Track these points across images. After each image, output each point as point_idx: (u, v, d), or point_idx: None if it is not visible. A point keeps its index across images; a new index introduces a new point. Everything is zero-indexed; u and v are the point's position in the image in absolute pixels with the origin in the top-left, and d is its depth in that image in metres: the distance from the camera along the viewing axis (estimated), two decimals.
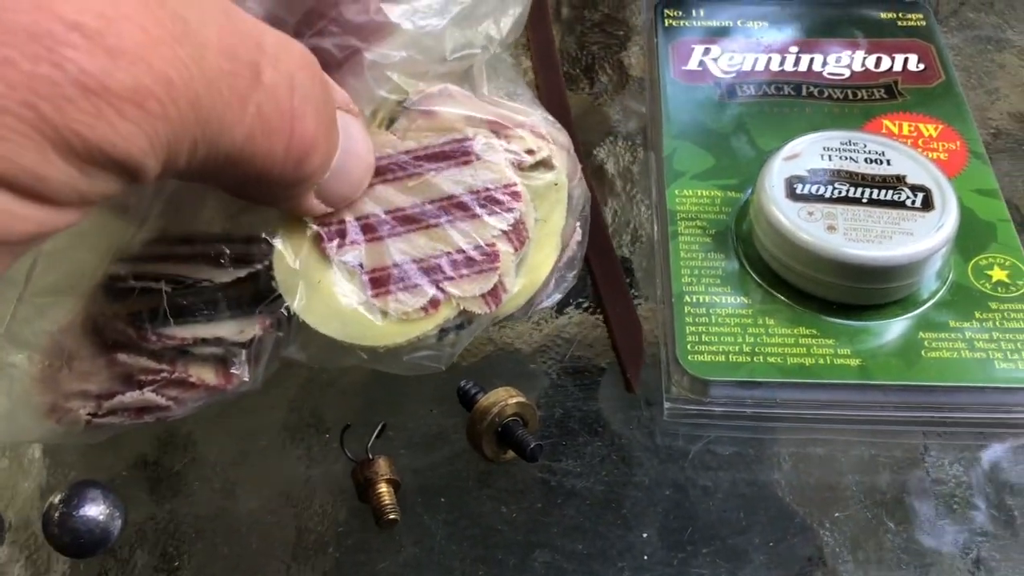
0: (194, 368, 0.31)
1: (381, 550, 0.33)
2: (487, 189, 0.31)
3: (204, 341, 0.30)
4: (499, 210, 0.31)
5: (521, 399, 0.34)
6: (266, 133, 0.24)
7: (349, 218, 0.31)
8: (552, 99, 0.48)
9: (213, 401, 0.32)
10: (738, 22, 0.50)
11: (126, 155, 0.21)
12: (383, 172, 0.31)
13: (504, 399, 0.34)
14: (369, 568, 0.33)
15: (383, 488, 0.33)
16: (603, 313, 0.40)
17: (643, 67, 0.51)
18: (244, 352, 0.31)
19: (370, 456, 0.33)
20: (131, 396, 0.31)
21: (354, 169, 0.29)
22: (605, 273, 0.41)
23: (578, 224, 0.35)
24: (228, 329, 0.31)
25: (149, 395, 0.31)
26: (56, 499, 0.32)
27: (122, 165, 0.21)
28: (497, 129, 0.32)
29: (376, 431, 0.35)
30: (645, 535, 0.33)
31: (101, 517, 0.32)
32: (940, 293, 0.38)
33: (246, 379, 0.31)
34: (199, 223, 0.31)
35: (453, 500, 0.34)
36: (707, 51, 0.49)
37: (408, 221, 0.31)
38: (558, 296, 0.36)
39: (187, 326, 0.30)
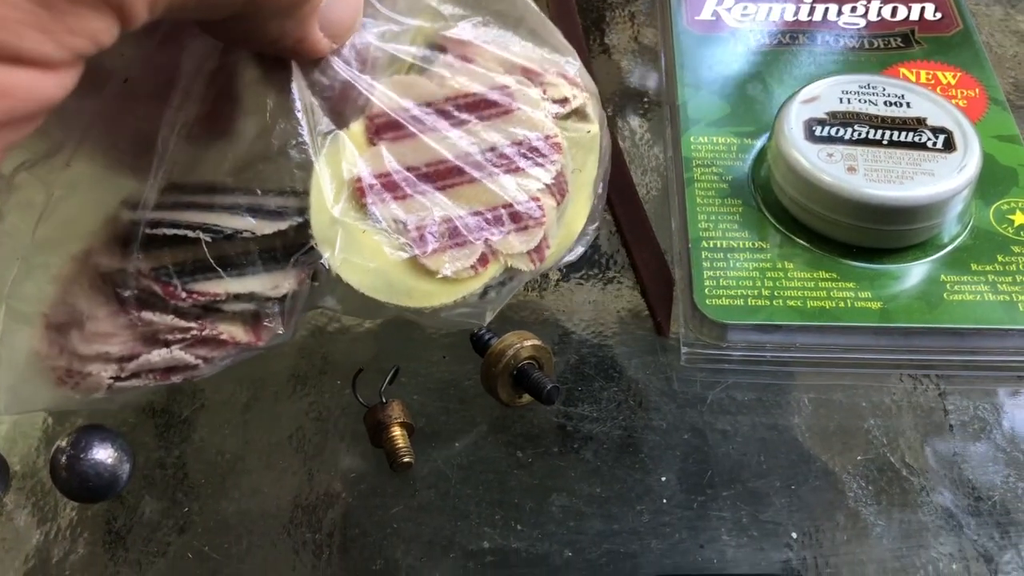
0: (224, 325, 0.29)
1: (395, 494, 0.33)
2: (529, 140, 0.30)
3: (236, 297, 0.28)
4: (542, 162, 0.29)
5: (536, 342, 0.33)
6: None
7: (386, 171, 0.29)
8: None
9: (242, 358, 0.30)
10: None
11: None
12: (421, 121, 0.29)
13: (519, 342, 0.33)
14: (383, 512, 0.32)
15: (397, 431, 0.32)
16: (630, 258, 0.39)
17: (655, 18, 0.51)
18: (277, 306, 0.29)
19: (383, 400, 0.33)
20: (158, 355, 0.28)
21: None
22: (630, 218, 0.40)
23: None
24: (262, 283, 0.28)
25: (178, 353, 0.29)
26: (63, 443, 0.31)
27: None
28: (532, 77, 0.31)
29: (389, 375, 0.34)
30: (664, 479, 0.33)
31: (110, 461, 0.31)
32: (962, 237, 0.37)
33: (279, 333, 0.29)
34: (208, 174, 0.29)
35: (468, 445, 0.34)
36: (720, 1, 0.48)
37: (450, 174, 0.29)
38: (580, 249, 0.34)
39: (218, 281, 0.28)
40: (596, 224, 0.34)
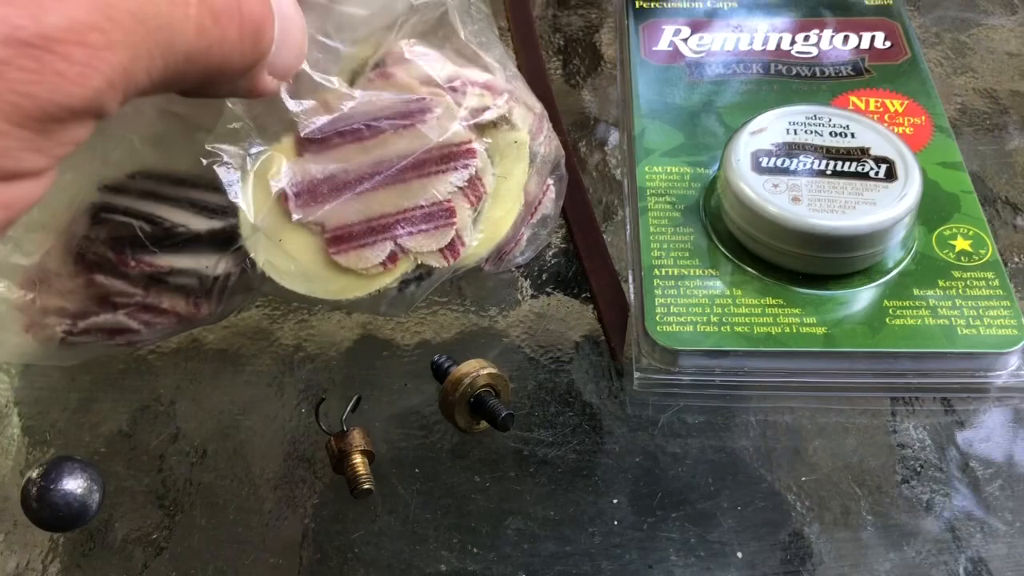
0: (166, 295, 0.33)
1: (356, 520, 0.34)
2: (442, 147, 0.32)
3: (180, 272, 0.32)
4: (455, 167, 0.32)
5: (493, 370, 0.34)
6: (216, 20, 0.23)
7: (311, 178, 0.32)
8: (533, 78, 0.49)
9: (181, 330, 0.34)
10: (708, 3, 0.51)
11: (83, 101, 0.20)
12: (344, 133, 0.32)
13: (476, 370, 0.34)
14: (344, 537, 0.33)
15: (358, 459, 0.34)
16: (587, 284, 0.41)
17: (615, 49, 0.52)
18: (215, 284, 0.32)
19: (345, 428, 0.34)
20: (104, 317, 0.32)
21: (294, 33, 0.28)
22: (588, 245, 0.42)
23: (551, 182, 0.36)
24: (203, 262, 0.32)
25: (122, 318, 0.33)
26: (34, 474, 0.32)
27: (82, 112, 0.20)
28: (455, 87, 0.33)
29: (351, 404, 0.35)
30: (615, 501, 0.34)
31: (79, 491, 0.32)
32: (904, 262, 0.38)
33: (215, 310, 0.33)
34: (172, 162, 0.32)
35: (427, 471, 0.35)
36: (677, 32, 0.49)
37: (367, 180, 0.32)
38: (531, 253, 0.37)
39: (165, 255, 0.32)
40: (549, 229, 0.38)
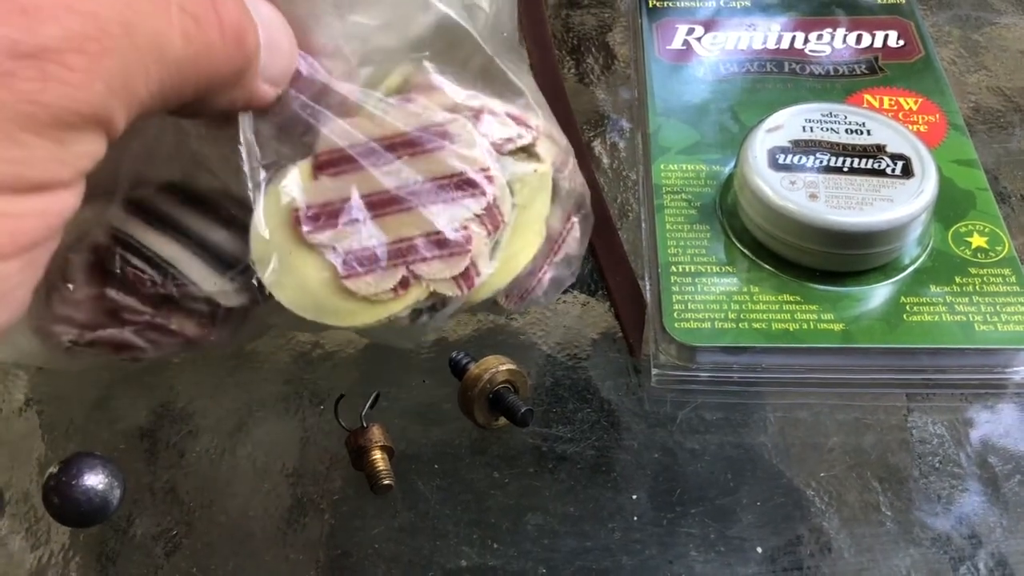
0: (176, 317, 0.32)
1: (376, 516, 0.34)
2: (460, 172, 0.31)
3: (192, 298, 0.31)
4: (472, 193, 0.31)
5: (511, 366, 0.35)
6: (197, 24, 0.23)
7: (325, 201, 0.31)
8: (546, 79, 0.49)
9: (186, 351, 0.33)
10: (721, 1, 0.51)
11: (90, 106, 0.21)
12: (361, 157, 0.31)
13: (495, 366, 0.34)
14: (364, 533, 0.33)
15: (377, 455, 0.34)
16: (604, 282, 0.41)
17: (629, 48, 0.52)
18: (225, 313, 0.32)
19: (364, 424, 0.34)
20: (111, 332, 0.32)
21: (281, 38, 0.28)
22: (605, 243, 0.41)
23: (576, 220, 0.35)
24: (214, 285, 0.31)
25: (128, 335, 0.32)
26: (55, 469, 0.32)
27: (92, 119, 0.21)
28: (477, 115, 0.33)
29: (370, 400, 0.35)
30: (635, 497, 0.34)
31: (100, 486, 0.32)
32: (921, 259, 0.39)
33: (224, 337, 0.33)
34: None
35: (447, 467, 0.35)
36: (691, 31, 0.49)
37: (383, 204, 0.31)
38: (554, 295, 0.35)
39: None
40: (573, 270, 0.36)
